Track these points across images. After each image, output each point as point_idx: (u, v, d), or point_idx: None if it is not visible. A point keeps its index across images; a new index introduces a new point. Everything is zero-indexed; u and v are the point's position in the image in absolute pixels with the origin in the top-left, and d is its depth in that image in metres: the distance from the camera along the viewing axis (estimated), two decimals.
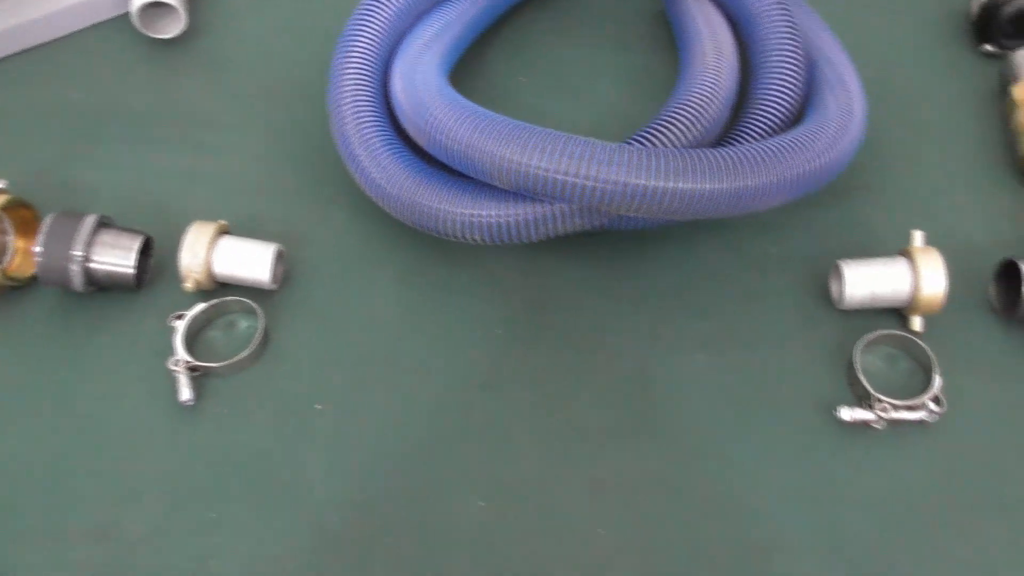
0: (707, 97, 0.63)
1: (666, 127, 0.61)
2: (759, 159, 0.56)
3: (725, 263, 0.66)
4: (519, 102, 0.76)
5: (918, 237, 0.62)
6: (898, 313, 0.63)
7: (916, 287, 0.60)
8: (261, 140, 0.74)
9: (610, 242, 0.67)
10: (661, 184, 0.53)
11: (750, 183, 0.55)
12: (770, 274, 0.66)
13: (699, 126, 0.62)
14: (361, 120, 0.64)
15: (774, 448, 0.58)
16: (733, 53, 0.69)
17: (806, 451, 0.58)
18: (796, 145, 0.58)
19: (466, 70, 0.77)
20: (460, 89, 0.69)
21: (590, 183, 0.54)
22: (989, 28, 0.78)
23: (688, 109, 0.62)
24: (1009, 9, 0.76)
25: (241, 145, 0.73)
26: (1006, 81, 0.74)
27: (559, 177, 0.54)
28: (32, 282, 0.64)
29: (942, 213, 0.69)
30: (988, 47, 0.79)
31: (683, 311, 0.64)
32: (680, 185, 0.54)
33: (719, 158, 0.55)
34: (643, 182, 0.53)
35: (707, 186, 0.54)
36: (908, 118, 0.75)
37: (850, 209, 0.69)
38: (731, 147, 0.57)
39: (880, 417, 0.57)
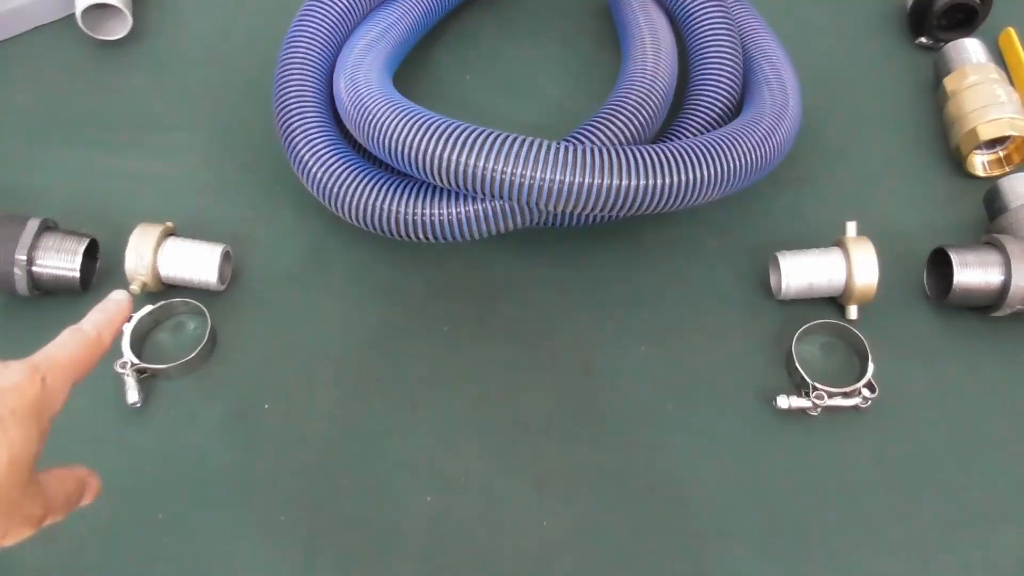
0: (645, 93, 0.64)
1: (604, 124, 0.62)
2: (694, 154, 0.57)
3: (668, 255, 0.68)
4: (465, 100, 0.77)
5: (851, 227, 0.64)
6: (835, 302, 0.65)
7: (850, 277, 0.62)
8: (207, 141, 0.74)
9: (555, 237, 0.68)
10: (596, 181, 0.54)
11: (685, 178, 0.57)
12: (712, 266, 0.67)
13: (637, 122, 0.63)
14: (306, 121, 0.64)
15: (714, 436, 0.59)
16: (671, 50, 0.70)
17: (745, 439, 0.59)
18: (731, 140, 0.60)
19: (412, 69, 0.78)
20: (406, 88, 0.70)
21: (527, 181, 0.55)
22: (923, 21, 0.80)
23: (626, 106, 0.63)
24: (941, 2, 0.78)
25: (188, 146, 0.73)
26: (940, 73, 0.76)
27: (496, 176, 0.55)
28: None
29: (879, 203, 0.71)
30: (923, 40, 0.81)
31: (627, 304, 0.65)
32: (615, 182, 0.55)
33: (654, 154, 0.56)
34: (579, 179, 0.54)
35: (642, 182, 0.55)
36: (846, 110, 0.77)
37: (790, 200, 0.71)
38: (667, 143, 0.59)
39: (816, 404, 0.59)
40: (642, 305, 0.65)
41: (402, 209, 0.60)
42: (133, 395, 0.58)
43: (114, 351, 0.59)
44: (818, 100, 0.77)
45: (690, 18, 0.71)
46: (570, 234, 0.68)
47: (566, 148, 0.55)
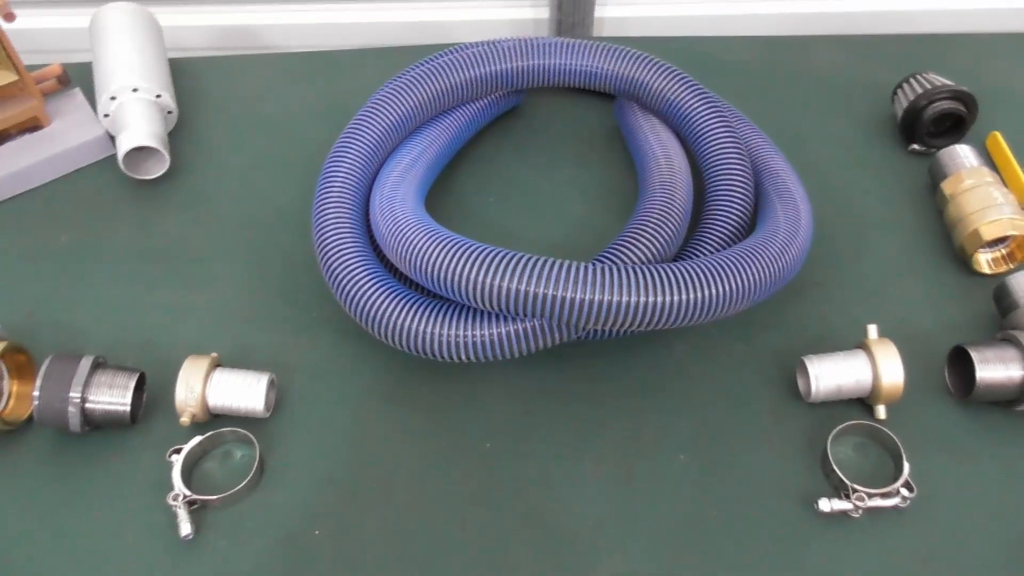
0: (665, 213, 0.68)
1: (629, 244, 0.66)
2: (719, 270, 0.61)
3: (698, 364, 0.70)
4: (490, 222, 0.81)
5: (872, 330, 0.67)
6: (862, 402, 0.67)
7: (876, 378, 0.64)
8: (246, 270, 0.77)
9: (588, 351, 0.70)
10: (625, 299, 0.58)
11: (710, 293, 0.60)
12: (740, 372, 0.69)
13: (660, 241, 0.66)
14: (343, 248, 0.68)
15: (758, 542, 0.60)
16: (685, 170, 0.75)
17: (789, 544, 0.60)
18: (752, 255, 0.63)
19: (438, 193, 0.82)
20: (434, 211, 0.73)
21: (558, 302, 0.58)
22: (914, 130, 0.85)
23: (649, 226, 0.67)
24: (929, 112, 0.83)
25: (227, 276, 0.76)
26: (936, 178, 0.81)
27: (529, 297, 0.58)
28: (27, 424, 0.65)
29: (893, 303, 0.74)
30: (915, 147, 0.86)
31: (661, 412, 0.67)
32: (643, 299, 0.58)
33: (679, 271, 0.60)
34: (607, 298, 0.57)
35: (669, 299, 0.58)
36: (851, 217, 0.81)
37: (807, 304, 0.74)
38: (691, 260, 0.62)
39: (857, 506, 0.60)
40: (676, 413, 0.67)
41: (440, 331, 0.63)
42: (186, 527, 0.59)
43: (163, 482, 0.61)
44: (824, 208, 0.81)
45: (700, 138, 0.76)
46: (603, 347, 0.71)
47: (594, 268, 0.58)
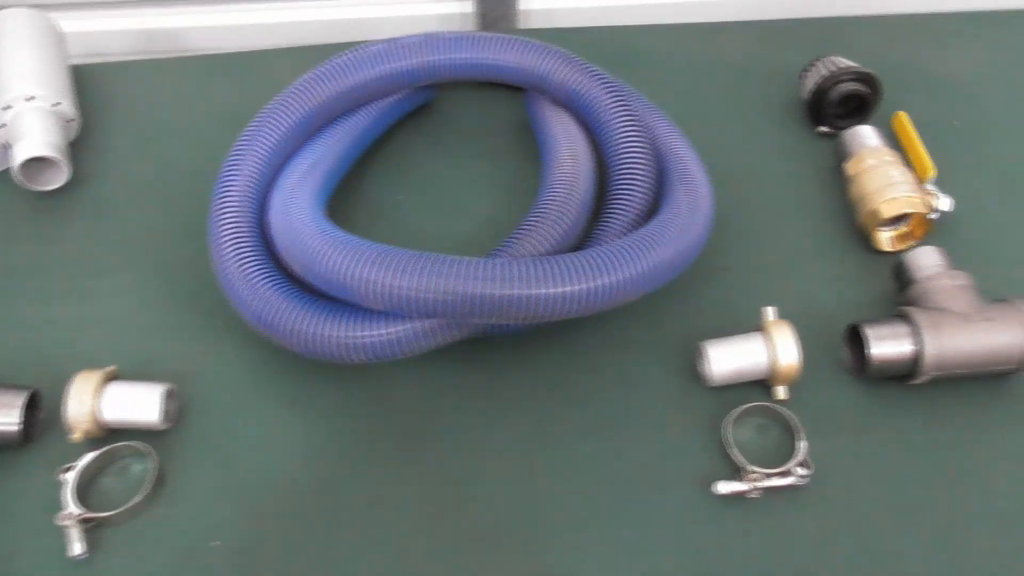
0: (564, 203, 0.68)
1: (527, 235, 0.66)
2: (616, 257, 0.61)
3: (603, 352, 0.70)
4: (398, 220, 0.80)
5: (770, 312, 0.67)
6: (764, 384, 0.67)
7: (773, 359, 0.65)
8: (147, 281, 0.75)
9: (492, 345, 0.70)
10: (520, 292, 0.57)
11: (607, 281, 0.60)
12: (645, 358, 0.70)
13: (558, 230, 0.66)
14: (241, 256, 0.67)
15: (659, 527, 0.60)
16: (587, 160, 0.75)
17: (689, 527, 0.60)
18: (650, 239, 0.63)
19: (346, 194, 0.81)
20: (342, 212, 0.73)
21: (454, 298, 0.58)
22: (820, 111, 0.86)
23: (548, 216, 0.67)
24: (834, 94, 0.84)
25: (128, 288, 0.75)
26: (840, 158, 0.82)
27: (425, 296, 0.58)
28: None
29: (797, 285, 0.75)
30: (822, 128, 0.87)
31: (565, 404, 0.67)
32: (541, 291, 0.58)
33: (575, 262, 0.59)
34: (506, 292, 0.57)
35: (567, 289, 0.58)
36: (759, 199, 0.82)
37: (714, 289, 0.74)
38: (588, 249, 0.62)
39: (754, 487, 0.61)
40: (581, 404, 0.67)
41: (337, 333, 0.62)
42: (76, 547, 0.58)
43: (59, 502, 0.60)
44: (733, 193, 0.81)
45: (603, 126, 0.75)
46: (502, 340, 0.70)
47: (495, 263, 0.58)
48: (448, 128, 0.88)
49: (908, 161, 0.81)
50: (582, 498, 0.62)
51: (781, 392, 0.66)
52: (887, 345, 0.65)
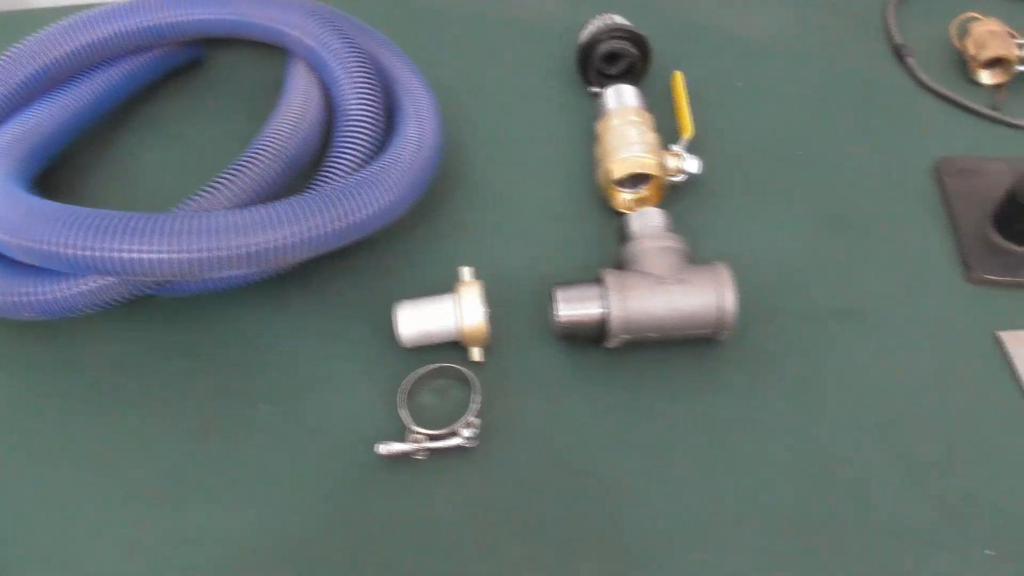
0: (269, 152, 0.68)
1: (240, 170, 0.66)
2: (317, 206, 0.61)
3: (309, 310, 0.69)
4: (143, 181, 0.79)
5: (466, 272, 0.66)
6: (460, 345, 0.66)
7: (459, 320, 0.64)
8: None
9: (194, 302, 0.69)
10: (198, 249, 0.57)
11: (300, 232, 0.60)
12: (349, 317, 0.69)
13: (254, 178, 0.67)
14: None
15: (326, 490, 0.60)
16: (311, 110, 0.73)
17: (356, 489, 0.60)
18: (361, 186, 0.63)
19: (89, 154, 0.80)
20: (86, 173, 0.72)
21: (124, 256, 0.57)
22: (588, 69, 0.84)
23: (267, 150, 0.68)
24: (599, 51, 0.82)
25: None
26: (598, 118, 0.80)
27: (91, 254, 0.57)
28: None
29: (531, 245, 0.73)
30: (595, 89, 0.85)
31: (252, 363, 0.66)
32: (221, 244, 0.57)
33: (262, 213, 0.59)
34: (181, 252, 0.56)
35: (259, 239, 0.58)
36: (517, 160, 0.80)
37: (446, 249, 0.73)
38: (291, 199, 0.61)
39: (418, 447, 0.60)
40: (268, 364, 0.66)
41: (15, 290, 0.61)
42: None
43: None
44: (496, 154, 0.80)
45: (331, 69, 0.74)
46: (207, 297, 0.69)
47: (177, 217, 0.57)
48: (215, 88, 0.87)
49: (679, 121, 0.80)
50: (250, 459, 0.61)
51: (476, 354, 0.65)
52: (575, 307, 0.63)
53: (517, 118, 0.84)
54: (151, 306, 0.68)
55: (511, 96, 0.86)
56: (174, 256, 0.56)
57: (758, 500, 0.59)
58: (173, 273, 0.57)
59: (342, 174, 0.69)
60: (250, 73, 0.88)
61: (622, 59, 0.83)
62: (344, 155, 0.70)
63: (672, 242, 0.66)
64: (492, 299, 0.68)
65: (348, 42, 0.74)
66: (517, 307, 0.69)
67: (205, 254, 0.57)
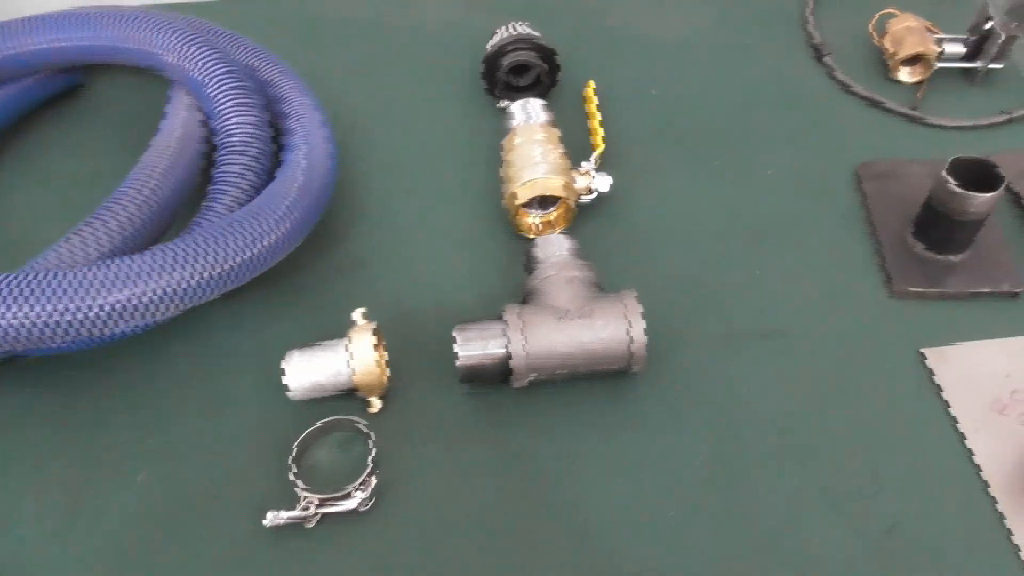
0: (132, 196, 0.62)
1: (71, 241, 0.59)
2: (191, 252, 0.56)
3: (194, 362, 0.64)
4: (13, 223, 0.73)
5: (358, 316, 0.61)
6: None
7: (351, 369, 0.59)
8: None
9: (63, 360, 0.63)
10: (50, 312, 0.52)
11: (171, 284, 0.55)
12: (238, 368, 0.63)
13: (146, 210, 0.62)
14: None
15: (208, 565, 0.54)
16: (198, 134, 0.68)
17: (242, 563, 0.55)
18: (240, 225, 0.59)
19: None
20: None
21: None
22: (494, 83, 0.79)
23: (131, 196, 0.63)
24: (504, 62, 0.77)
25: None
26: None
27: None
28: None
29: (435, 277, 0.69)
30: (502, 103, 0.80)
31: (132, 426, 0.60)
32: (75, 305, 0.53)
33: (126, 265, 0.54)
34: (26, 318, 0.52)
35: (121, 295, 0.54)
36: (421, 183, 0.76)
37: (345, 286, 0.68)
38: (161, 246, 0.57)
39: (312, 513, 0.55)
40: (150, 425, 0.60)
41: None
42: None
43: None
44: (394, 175, 0.76)
45: (208, 95, 0.69)
46: (82, 355, 0.64)
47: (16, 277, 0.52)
48: (93, 116, 0.81)
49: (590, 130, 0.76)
50: (127, 534, 0.55)
51: (374, 403, 0.60)
52: (475, 348, 0.59)
53: (420, 137, 0.79)
54: (13, 367, 0.62)
55: (413, 113, 0.82)
56: (19, 323, 0.51)
57: (676, 543, 0.55)
58: (20, 342, 0.52)
59: (222, 212, 0.64)
60: (132, 100, 0.82)
61: (530, 71, 0.79)
62: (224, 191, 0.65)
63: (578, 271, 0.62)
64: (394, 339, 0.64)
65: (229, 67, 0.69)
66: (421, 345, 0.64)
67: (57, 317, 0.52)
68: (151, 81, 0.81)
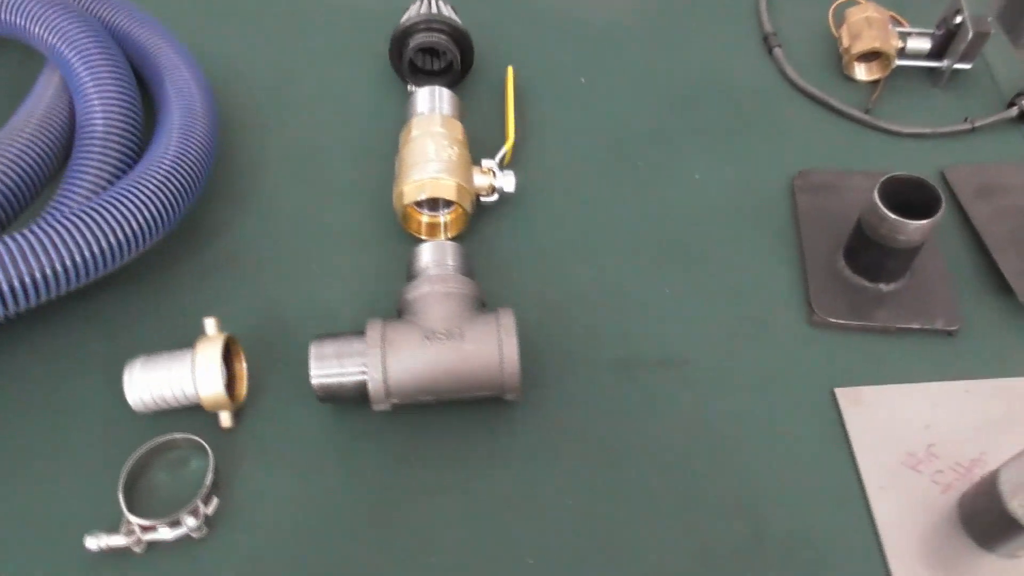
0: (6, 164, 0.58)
1: None
2: (35, 243, 0.51)
3: (34, 366, 0.59)
4: None
5: (209, 325, 0.56)
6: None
7: (196, 385, 0.54)
8: None
9: None
10: None
11: (8, 279, 0.51)
12: (84, 374, 0.58)
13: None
14: None
15: None
16: (62, 114, 0.63)
17: None
18: (94, 214, 0.54)
19: None
20: None
21: None
22: (403, 66, 0.73)
23: None
24: (412, 43, 0.70)
25: None
26: None
27: None
28: None
29: (316, 281, 0.63)
30: (412, 87, 0.74)
31: None
32: None
33: None
34: None
35: None
36: (313, 171, 0.70)
37: (208, 283, 0.63)
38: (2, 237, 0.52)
39: (136, 539, 0.51)
40: None
41: None
42: None
43: None
44: (285, 162, 0.70)
45: (80, 75, 0.62)
46: None
47: None
48: None
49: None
50: None
51: (225, 419, 0.55)
52: (329, 368, 0.54)
53: (320, 121, 0.73)
54: None
55: (317, 94, 0.75)
56: None
57: None
58: None
59: (78, 199, 0.58)
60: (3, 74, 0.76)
61: (443, 55, 0.72)
62: (83, 175, 0.59)
63: (456, 286, 0.56)
64: (260, 347, 0.59)
65: (97, 39, 0.63)
66: (289, 356, 0.59)
67: None
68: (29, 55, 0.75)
